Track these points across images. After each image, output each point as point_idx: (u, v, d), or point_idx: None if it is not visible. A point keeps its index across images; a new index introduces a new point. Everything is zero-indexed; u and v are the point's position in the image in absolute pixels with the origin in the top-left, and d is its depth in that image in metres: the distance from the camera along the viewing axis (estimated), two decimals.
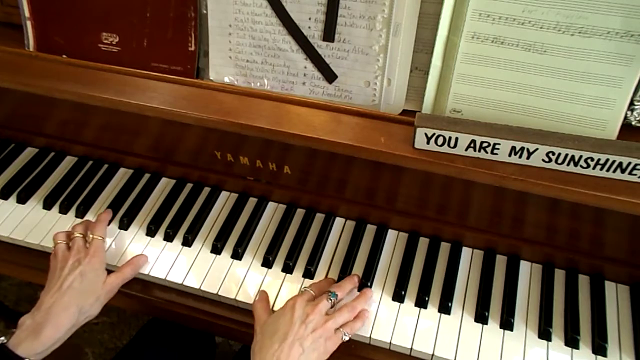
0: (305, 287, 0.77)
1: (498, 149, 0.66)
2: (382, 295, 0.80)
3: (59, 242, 0.81)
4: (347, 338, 0.72)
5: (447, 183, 0.77)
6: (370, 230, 0.89)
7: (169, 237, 0.89)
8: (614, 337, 0.74)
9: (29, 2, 0.85)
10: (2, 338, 0.70)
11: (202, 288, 0.82)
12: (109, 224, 0.90)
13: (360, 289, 0.81)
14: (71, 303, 0.73)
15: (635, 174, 0.64)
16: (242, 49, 0.80)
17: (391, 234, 0.88)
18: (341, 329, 0.72)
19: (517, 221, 0.79)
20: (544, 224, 0.78)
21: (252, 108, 0.77)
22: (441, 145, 0.68)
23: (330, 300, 0.73)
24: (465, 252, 0.85)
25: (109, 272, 0.80)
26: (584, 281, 0.81)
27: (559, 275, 0.82)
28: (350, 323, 0.74)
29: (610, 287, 0.80)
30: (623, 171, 0.64)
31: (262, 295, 0.79)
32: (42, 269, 0.89)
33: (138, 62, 0.83)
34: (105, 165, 1.01)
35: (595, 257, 0.79)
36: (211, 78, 0.83)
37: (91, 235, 0.81)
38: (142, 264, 0.84)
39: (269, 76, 0.80)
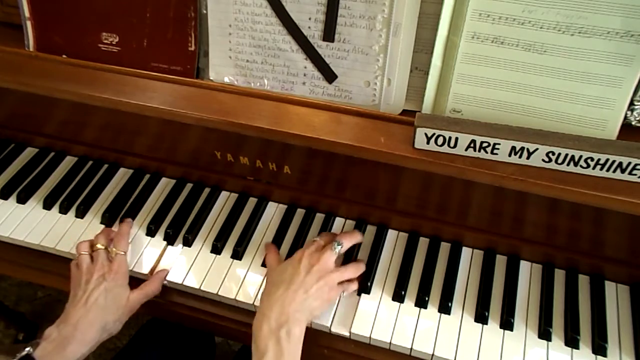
0: (314, 237, 0.80)
1: (498, 149, 0.66)
2: (382, 295, 0.80)
3: (82, 252, 0.80)
4: (346, 294, 0.78)
5: (447, 183, 0.77)
6: (370, 230, 0.89)
7: (169, 237, 0.89)
8: (614, 337, 0.74)
9: (29, 2, 0.85)
10: (29, 348, 0.70)
11: (202, 288, 0.82)
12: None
13: (361, 289, 0.81)
14: (96, 320, 0.73)
15: (635, 174, 0.64)
16: (242, 49, 0.80)
17: (391, 234, 0.88)
18: (343, 284, 0.76)
19: (517, 221, 0.79)
20: (544, 224, 0.78)
21: (252, 108, 0.77)
22: (441, 145, 0.68)
23: (335, 250, 0.76)
24: (465, 252, 0.85)
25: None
26: (584, 281, 0.81)
27: (559, 275, 0.82)
28: (347, 283, 0.77)
29: (610, 287, 0.80)
30: (623, 171, 0.64)
31: (270, 248, 0.84)
32: (42, 269, 0.89)
33: (138, 62, 0.83)
34: (105, 165, 1.01)
35: (595, 257, 0.79)
36: (211, 78, 0.83)
37: (114, 250, 0.81)
38: (164, 278, 0.83)
39: (269, 76, 0.80)
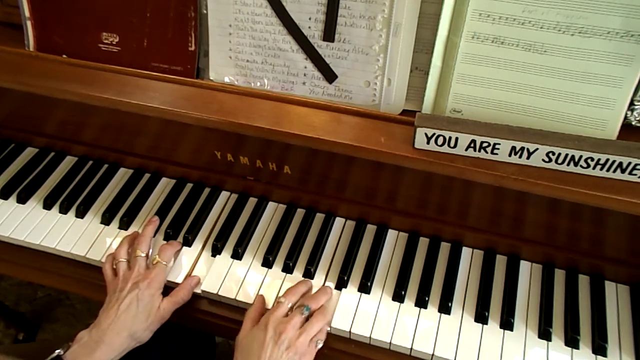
0: (280, 298, 0.76)
1: (498, 149, 0.66)
2: (382, 295, 0.80)
3: (121, 260, 0.80)
4: (321, 344, 0.73)
5: (447, 183, 0.77)
6: (370, 230, 0.89)
7: (169, 237, 0.89)
8: (614, 337, 0.74)
9: (29, 2, 0.85)
10: (59, 350, 0.71)
11: (202, 288, 0.82)
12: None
13: (360, 288, 0.81)
14: (125, 327, 0.73)
15: (635, 174, 0.64)
16: (242, 49, 0.80)
17: (391, 234, 0.88)
18: (314, 338, 0.72)
19: (517, 221, 0.79)
20: (544, 224, 0.78)
21: (252, 108, 0.77)
22: (441, 145, 0.68)
23: (304, 314, 0.73)
24: (465, 252, 0.85)
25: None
26: (584, 281, 0.81)
27: (559, 275, 0.82)
28: (318, 333, 0.73)
29: (610, 287, 0.80)
30: (623, 171, 0.64)
31: (257, 303, 0.78)
32: (42, 269, 0.89)
33: (138, 62, 0.83)
34: (105, 165, 1.01)
35: (595, 257, 0.79)
36: (211, 78, 0.83)
37: (157, 258, 0.81)
38: (194, 285, 0.82)
39: (269, 76, 0.80)
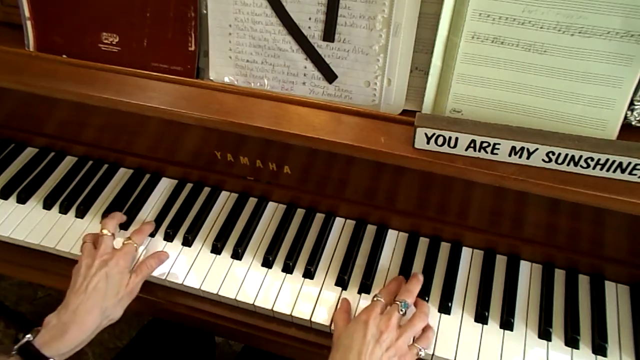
0: (376, 296, 0.75)
1: (498, 149, 0.66)
2: None
3: (86, 241, 0.81)
4: (422, 353, 0.72)
5: (447, 183, 0.77)
6: (370, 230, 0.89)
7: (169, 237, 0.89)
8: (614, 337, 0.74)
9: (29, 2, 0.85)
10: (29, 336, 0.70)
11: (202, 288, 0.82)
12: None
13: (361, 288, 0.81)
14: (95, 305, 0.73)
15: (635, 174, 0.64)
16: (242, 49, 0.80)
17: (391, 234, 0.88)
18: (416, 344, 0.72)
19: (517, 221, 0.79)
20: (544, 224, 0.78)
21: (252, 108, 0.77)
22: (441, 145, 0.68)
23: (402, 310, 0.72)
24: (465, 252, 0.85)
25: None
26: (584, 281, 0.81)
27: (559, 275, 0.82)
28: (424, 335, 0.73)
29: (610, 287, 0.80)
30: (623, 171, 0.64)
31: (343, 305, 0.78)
32: (42, 269, 0.89)
33: (138, 62, 0.83)
34: (105, 165, 1.01)
35: (595, 257, 0.79)
36: (211, 78, 0.83)
37: (129, 240, 0.82)
38: (159, 260, 0.83)
39: (269, 76, 0.80)
